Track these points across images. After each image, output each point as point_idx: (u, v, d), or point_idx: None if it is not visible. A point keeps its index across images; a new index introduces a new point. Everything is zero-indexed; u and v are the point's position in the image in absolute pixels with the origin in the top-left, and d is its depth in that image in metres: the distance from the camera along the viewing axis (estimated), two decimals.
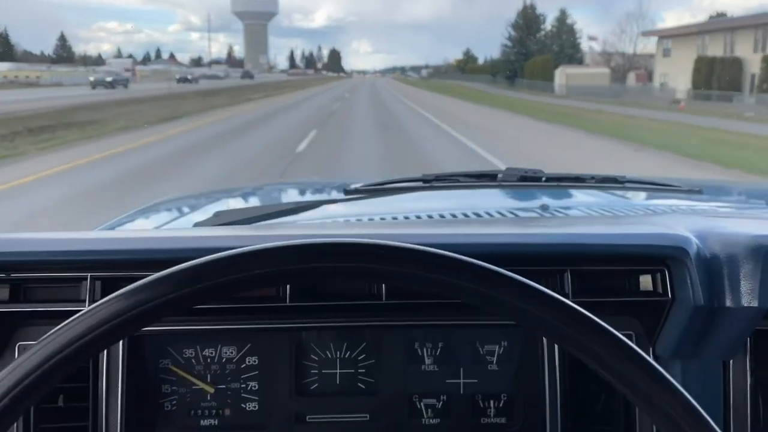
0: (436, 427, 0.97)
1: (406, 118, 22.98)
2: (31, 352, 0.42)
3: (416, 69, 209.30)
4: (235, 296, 0.88)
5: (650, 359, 0.45)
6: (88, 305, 0.83)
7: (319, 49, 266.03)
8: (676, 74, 42.79)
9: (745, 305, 0.85)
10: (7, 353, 0.88)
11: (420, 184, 1.43)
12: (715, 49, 40.56)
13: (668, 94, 40.11)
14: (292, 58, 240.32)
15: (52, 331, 0.43)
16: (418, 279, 0.47)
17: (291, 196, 1.91)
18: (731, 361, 0.93)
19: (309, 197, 1.74)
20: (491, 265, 0.50)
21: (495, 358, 0.98)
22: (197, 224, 1.44)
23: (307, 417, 0.95)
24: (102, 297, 0.84)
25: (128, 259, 0.83)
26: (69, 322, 0.43)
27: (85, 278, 0.85)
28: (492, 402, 0.98)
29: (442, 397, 0.97)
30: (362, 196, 1.43)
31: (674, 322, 0.90)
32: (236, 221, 1.34)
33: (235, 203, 1.86)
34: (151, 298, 0.44)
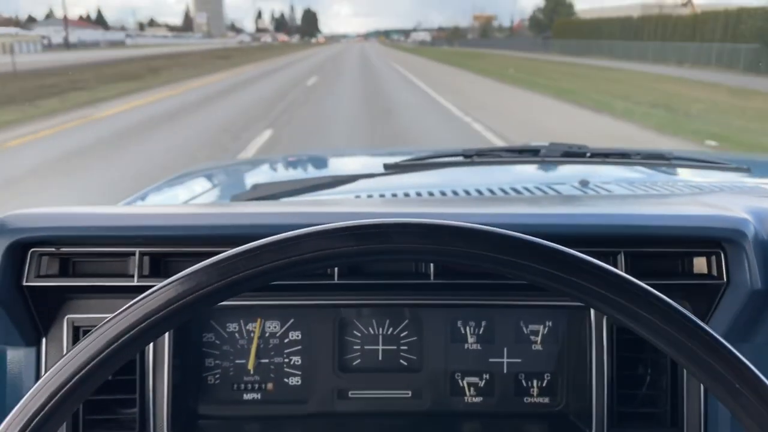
0: (479, 405, 0.96)
1: None
2: (103, 330, 0.43)
3: (401, 32, 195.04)
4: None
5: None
6: (137, 280, 0.84)
7: (292, 9, 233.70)
8: None
9: None
10: (56, 326, 0.90)
11: (460, 159, 1.41)
12: None
13: None
14: (259, 19, 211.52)
15: (129, 305, 0.44)
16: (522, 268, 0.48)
17: (328, 168, 1.90)
18: None
19: (347, 170, 1.72)
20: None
21: (539, 338, 0.97)
22: (234, 197, 1.45)
23: (350, 392, 0.95)
24: (150, 272, 0.84)
25: (178, 235, 0.83)
26: (140, 300, 0.44)
27: (133, 253, 0.85)
28: (535, 381, 0.97)
29: (484, 376, 0.96)
30: (402, 170, 1.41)
31: (728, 306, 0.87)
32: (275, 194, 1.34)
33: (271, 175, 1.86)
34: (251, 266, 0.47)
